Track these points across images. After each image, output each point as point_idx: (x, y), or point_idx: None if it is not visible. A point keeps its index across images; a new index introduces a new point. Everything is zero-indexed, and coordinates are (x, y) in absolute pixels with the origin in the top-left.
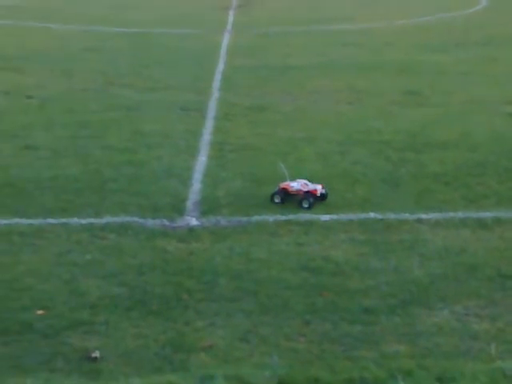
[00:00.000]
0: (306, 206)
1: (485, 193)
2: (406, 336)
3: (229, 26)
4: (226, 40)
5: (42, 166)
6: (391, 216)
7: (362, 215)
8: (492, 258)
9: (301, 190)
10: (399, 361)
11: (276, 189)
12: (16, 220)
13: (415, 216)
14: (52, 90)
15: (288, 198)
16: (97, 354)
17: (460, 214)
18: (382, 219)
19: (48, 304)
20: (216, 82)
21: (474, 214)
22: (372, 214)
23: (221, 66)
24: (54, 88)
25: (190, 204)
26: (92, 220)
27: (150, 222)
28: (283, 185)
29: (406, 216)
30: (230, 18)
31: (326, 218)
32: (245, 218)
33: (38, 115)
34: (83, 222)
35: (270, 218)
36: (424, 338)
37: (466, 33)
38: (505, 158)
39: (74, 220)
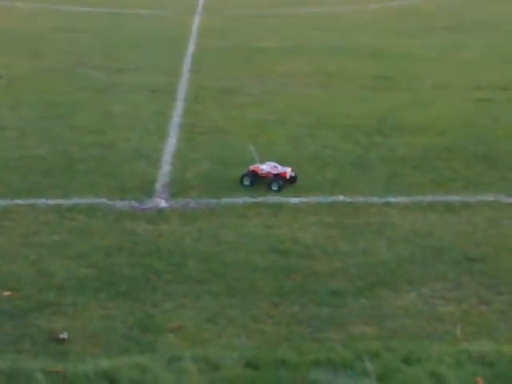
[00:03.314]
0: (275, 188)
1: (453, 177)
2: (372, 318)
3: (200, 8)
4: (196, 22)
5: (9, 146)
6: (360, 199)
7: (331, 198)
8: (459, 241)
9: (270, 173)
10: (366, 342)
11: (245, 171)
12: None
13: (383, 199)
14: (19, 70)
15: (257, 181)
16: (65, 335)
17: (428, 198)
18: (350, 202)
19: (15, 285)
20: (186, 64)
21: (441, 198)
22: (341, 197)
23: (191, 48)
24: (21, 68)
25: (159, 186)
26: (60, 201)
27: (119, 204)
28: (253, 167)
29: (375, 199)
30: (201, 0)
31: (295, 200)
32: (214, 201)
33: (6, 95)
34: (51, 202)
35: (239, 200)
36: (391, 320)
37: (435, 18)
38: (473, 143)
39: (42, 201)
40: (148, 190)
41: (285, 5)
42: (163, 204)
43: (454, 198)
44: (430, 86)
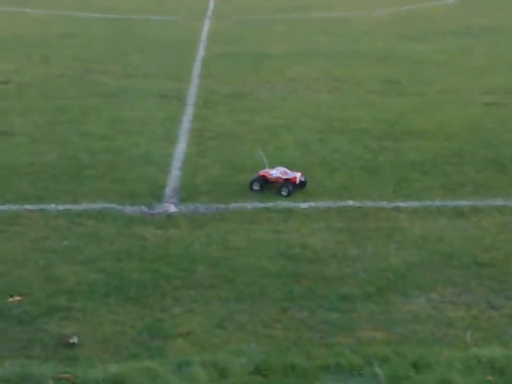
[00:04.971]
0: (284, 193)
1: (462, 181)
2: (382, 323)
3: (209, 13)
4: (206, 27)
5: (19, 152)
6: (369, 204)
7: (341, 203)
8: (468, 246)
9: (280, 178)
10: (375, 347)
11: (255, 176)
12: None
13: (393, 204)
14: (29, 76)
15: (267, 186)
16: (75, 339)
17: (437, 203)
18: (360, 207)
19: (25, 290)
20: (196, 70)
21: (450, 203)
22: (350, 202)
23: (201, 54)
24: (31, 73)
25: (168, 191)
26: (69, 206)
27: (128, 209)
28: (262, 172)
29: (384, 204)
30: (211, 5)
31: (304, 205)
32: (223, 206)
33: (16, 101)
34: (60, 208)
35: (249, 205)
36: (400, 325)
37: (444, 23)
38: (482, 147)
39: (52, 206)
40: (157, 195)
41: (293, 10)
42: (172, 209)
43: (463, 203)
44: (439, 90)
